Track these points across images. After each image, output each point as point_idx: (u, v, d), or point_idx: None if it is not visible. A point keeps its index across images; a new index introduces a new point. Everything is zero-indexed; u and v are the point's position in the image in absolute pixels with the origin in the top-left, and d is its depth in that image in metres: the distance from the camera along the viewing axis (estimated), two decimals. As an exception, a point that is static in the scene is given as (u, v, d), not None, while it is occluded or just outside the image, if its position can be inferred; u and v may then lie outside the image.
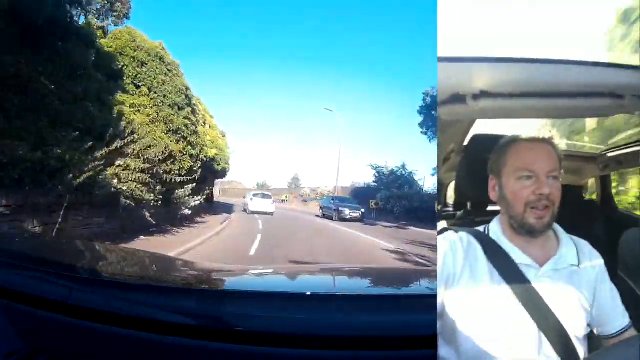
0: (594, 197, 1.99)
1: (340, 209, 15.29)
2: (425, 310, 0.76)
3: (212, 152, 10.03)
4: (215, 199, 17.92)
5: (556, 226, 0.87)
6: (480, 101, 0.87)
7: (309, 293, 0.87)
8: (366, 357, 0.62)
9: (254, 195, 17.22)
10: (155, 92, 6.92)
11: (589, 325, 0.84)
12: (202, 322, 0.64)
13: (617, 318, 0.86)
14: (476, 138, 1.25)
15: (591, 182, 1.99)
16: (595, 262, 0.87)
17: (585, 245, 0.89)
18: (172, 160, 6.62)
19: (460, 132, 1.71)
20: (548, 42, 0.83)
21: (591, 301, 0.84)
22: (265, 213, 15.11)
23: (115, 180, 5.21)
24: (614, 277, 0.91)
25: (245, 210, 16.48)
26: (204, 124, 10.22)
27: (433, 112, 18.51)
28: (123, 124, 5.36)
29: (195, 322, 0.64)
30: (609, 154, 1.68)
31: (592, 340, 0.90)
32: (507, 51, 0.81)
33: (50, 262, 1.01)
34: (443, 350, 0.78)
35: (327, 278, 1.29)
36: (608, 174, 1.88)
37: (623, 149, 1.60)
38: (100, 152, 4.67)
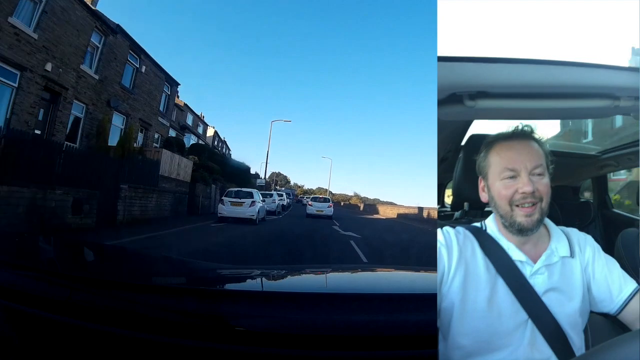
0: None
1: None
2: (425, 310, 0.76)
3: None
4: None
5: (547, 220, 0.86)
6: (478, 101, 0.88)
7: (309, 293, 0.87)
8: (366, 357, 0.63)
9: (312, 199, 20.26)
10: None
11: (591, 311, 0.84)
12: (202, 322, 0.64)
13: (622, 286, 0.82)
14: (474, 138, 1.25)
15: (587, 183, 2.00)
16: (586, 243, 0.86)
17: (574, 232, 0.88)
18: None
19: (458, 132, 1.72)
20: (545, 44, 0.84)
21: (589, 283, 0.83)
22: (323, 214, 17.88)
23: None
24: None
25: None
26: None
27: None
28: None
29: (195, 322, 0.63)
30: (606, 155, 1.69)
31: (589, 336, 0.90)
32: (505, 52, 0.82)
33: (50, 262, 1.00)
34: (442, 345, 0.79)
35: (328, 278, 1.29)
36: (604, 175, 1.89)
37: (620, 150, 1.61)
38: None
